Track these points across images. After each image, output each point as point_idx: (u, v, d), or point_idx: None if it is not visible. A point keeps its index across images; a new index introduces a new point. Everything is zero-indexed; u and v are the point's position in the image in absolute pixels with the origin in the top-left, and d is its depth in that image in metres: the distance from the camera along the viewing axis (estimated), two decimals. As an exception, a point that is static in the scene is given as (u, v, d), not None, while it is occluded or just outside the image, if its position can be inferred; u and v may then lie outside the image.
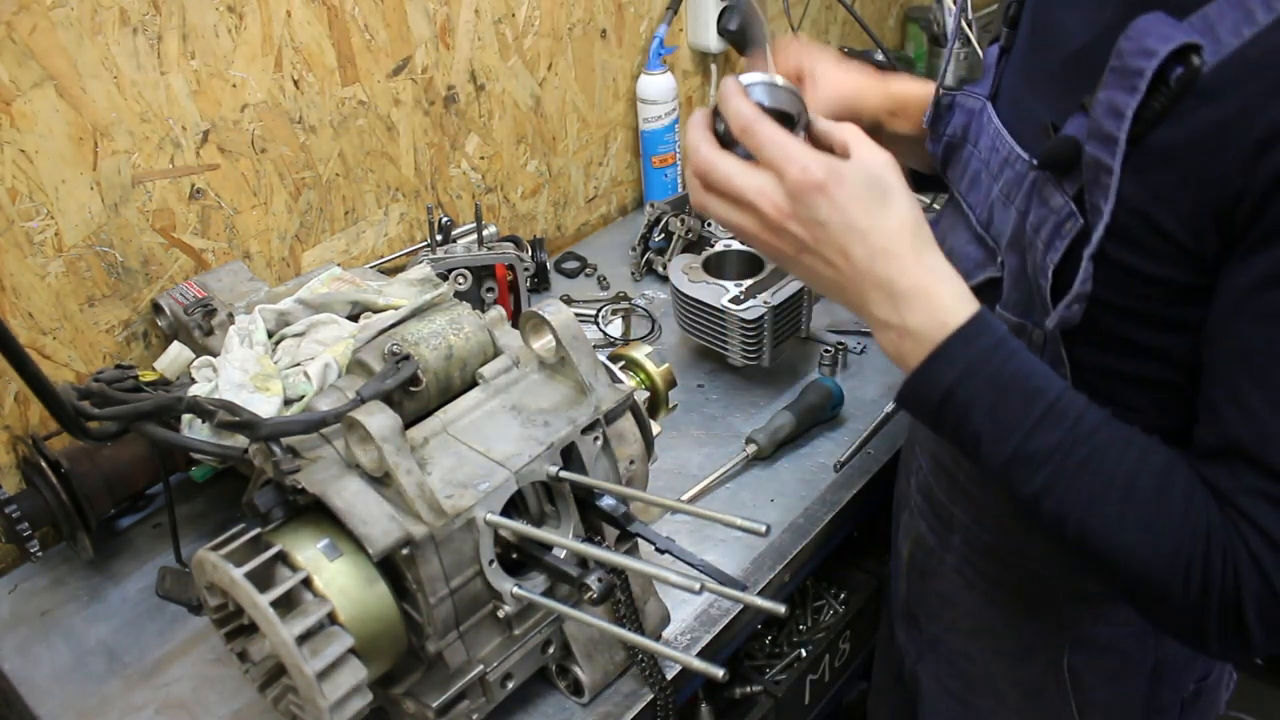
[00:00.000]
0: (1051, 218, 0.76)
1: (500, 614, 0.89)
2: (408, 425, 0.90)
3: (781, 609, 0.74)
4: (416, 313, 1.02)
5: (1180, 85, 0.66)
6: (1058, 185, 0.75)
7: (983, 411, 0.73)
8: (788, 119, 0.78)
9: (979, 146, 0.89)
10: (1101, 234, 0.71)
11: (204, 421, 0.86)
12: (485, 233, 1.45)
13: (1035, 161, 0.78)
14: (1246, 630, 0.69)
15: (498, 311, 1.02)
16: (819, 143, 0.79)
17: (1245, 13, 0.65)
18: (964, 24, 0.92)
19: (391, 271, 1.38)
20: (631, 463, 0.98)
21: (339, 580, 0.80)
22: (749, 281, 1.39)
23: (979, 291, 0.85)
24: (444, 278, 1.35)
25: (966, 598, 1.06)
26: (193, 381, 1.08)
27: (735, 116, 0.76)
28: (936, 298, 0.74)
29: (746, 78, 0.78)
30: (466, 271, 1.42)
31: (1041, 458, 0.72)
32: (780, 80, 0.79)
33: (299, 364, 1.07)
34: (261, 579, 0.77)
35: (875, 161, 0.75)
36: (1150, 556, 0.70)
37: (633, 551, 1.01)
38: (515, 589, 0.87)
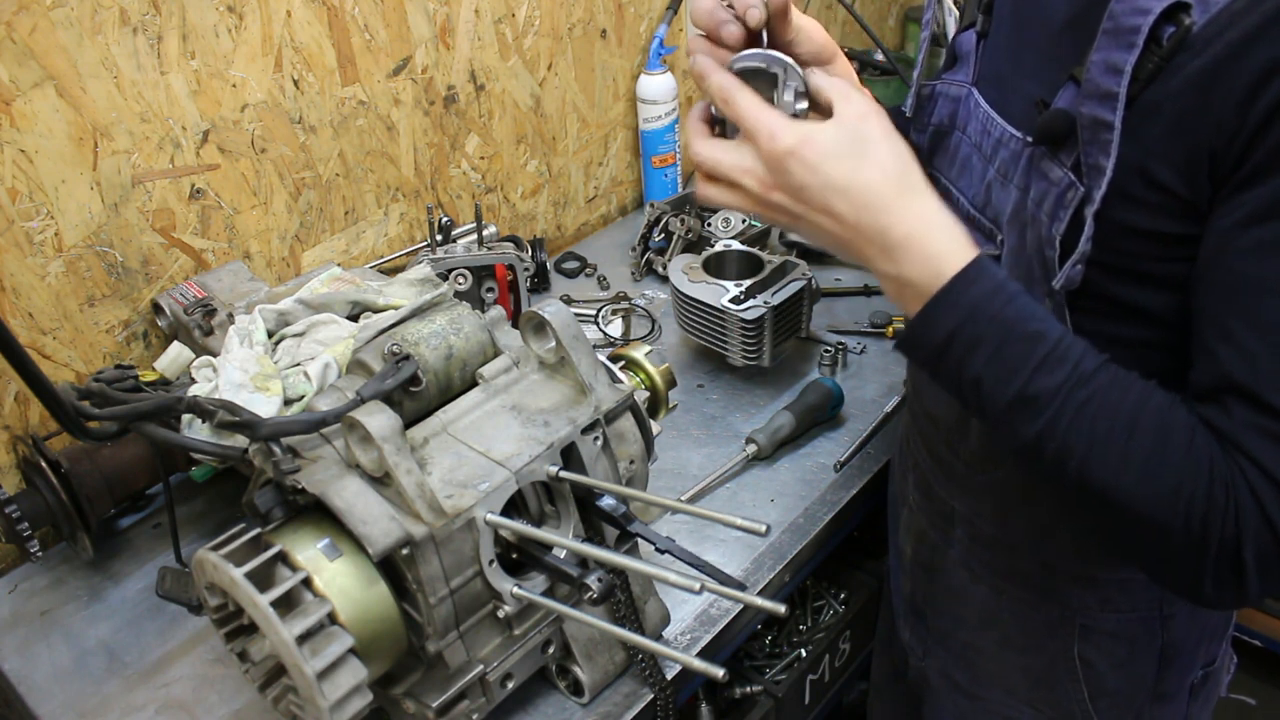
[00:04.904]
0: (1053, 190, 0.77)
1: (500, 614, 0.89)
2: (408, 425, 0.90)
3: (781, 609, 0.74)
4: (416, 313, 1.02)
5: (1173, 43, 0.68)
6: (1054, 158, 0.77)
7: (984, 355, 0.73)
8: (770, 77, 0.79)
9: (969, 131, 0.90)
10: (1105, 191, 0.72)
11: (204, 421, 0.86)
12: (485, 233, 1.45)
13: (1030, 139, 0.80)
14: (1243, 570, 0.69)
15: (498, 311, 1.02)
16: (814, 99, 0.79)
17: None
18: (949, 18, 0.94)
19: (391, 271, 1.38)
20: (631, 463, 0.98)
21: (339, 580, 0.80)
22: (749, 281, 1.39)
23: None
24: (444, 278, 1.35)
25: (973, 590, 1.06)
26: (193, 381, 1.08)
27: (716, 89, 0.77)
28: (930, 245, 0.74)
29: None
30: (466, 271, 1.42)
31: (1044, 400, 0.72)
32: (764, 47, 0.80)
33: (299, 364, 1.07)
34: (261, 579, 0.77)
35: (854, 114, 0.75)
36: (1151, 494, 0.70)
37: (633, 551, 1.01)
38: (515, 589, 0.87)
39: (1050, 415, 0.72)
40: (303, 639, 0.76)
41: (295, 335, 1.11)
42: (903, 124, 1.03)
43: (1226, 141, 0.67)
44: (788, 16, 0.82)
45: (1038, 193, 0.79)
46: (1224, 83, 0.66)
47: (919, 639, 1.20)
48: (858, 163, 0.74)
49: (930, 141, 0.96)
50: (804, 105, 0.79)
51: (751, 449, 1.30)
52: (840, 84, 0.77)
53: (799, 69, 0.79)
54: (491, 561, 0.86)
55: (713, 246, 1.51)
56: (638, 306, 1.62)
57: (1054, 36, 0.81)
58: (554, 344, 0.94)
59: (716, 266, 1.46)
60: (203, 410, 0.84)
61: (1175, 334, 0.76)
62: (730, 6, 0.80)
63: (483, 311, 1.01)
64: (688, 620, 1.10)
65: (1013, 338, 0.73)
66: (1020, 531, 0.98)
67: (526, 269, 1.47)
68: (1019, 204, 0.82)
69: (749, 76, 0.79)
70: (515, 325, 0.99)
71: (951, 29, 2.10)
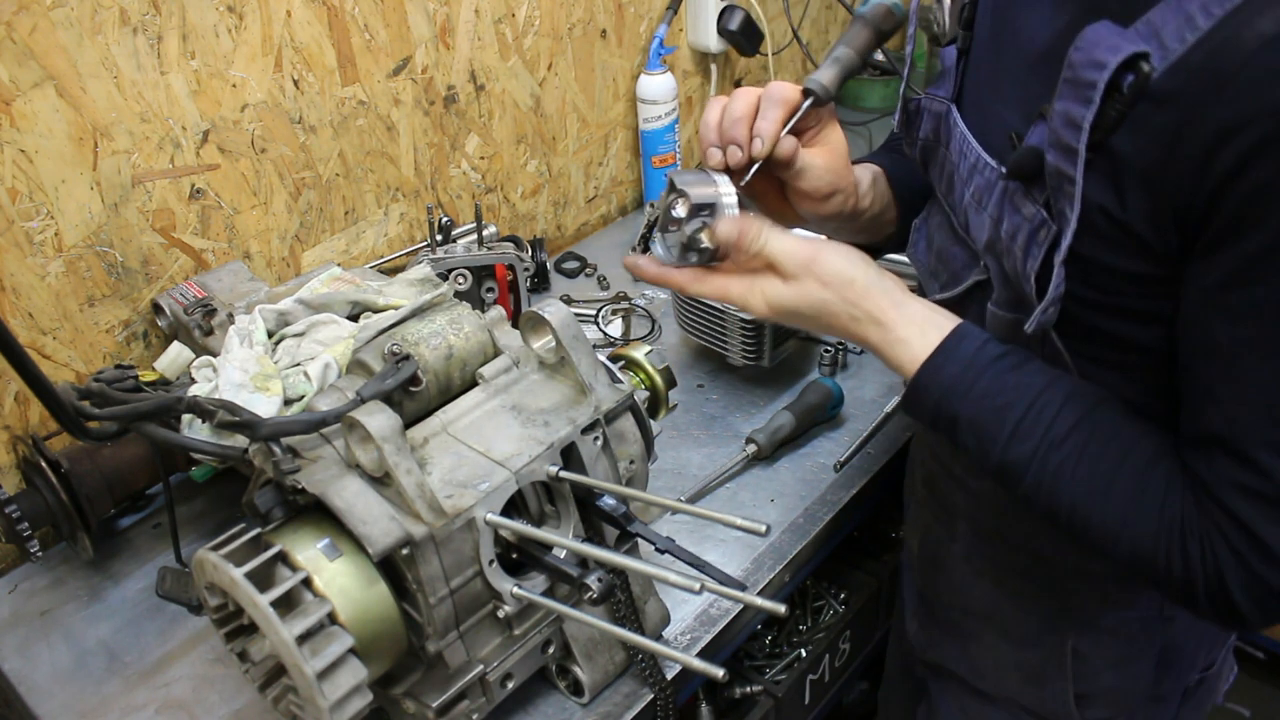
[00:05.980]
0: (1025, 225, 0.78)
1: (500, 614, 0.89)
2: (408, 425, 0.90)
3: (781, 609, 0.74)
4: (416, 313, 1.02)
5: (1133, 92, 0.67)
6: (1028, 194, 0.77)
7: (964, 428, 0.80)
8: (697, 208, 0.85)
9: (950, 149, 0.90)
10: (1069, 240, 0.73)
11: (204, 421, 0.86)
12: (485, 233, 1.45)
13: (1004, 170, 0.80)
14: (1239, 611, 0.72)
15: (498, 311, 1.02)
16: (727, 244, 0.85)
17: (1186, 18, 0.66)
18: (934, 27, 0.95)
19: (391, 271, 1.38)
20: (631, 463, 0.98)
21: (339, 580, 0.80)
22: (749, 281, 1.38)
23: (970, 292, 0.90)
24: (444, 278, 1.35)
25: (977, 584, 1.07)
26: (193, 381, 1.08)
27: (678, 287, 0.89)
28: (894, 348, 0.82)
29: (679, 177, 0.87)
30: (466, 271, 1.42)
31: (1021, 467, 0.78)
32: (716, 179, 0.86)
33: (299, 364, 1.07)
34: (261, 579, 0.77)
35: (798, 266, 0.82)
36: (1133, 551, 0.75)
37: (633, 551, 1.01)
38: (515, 589, 0.87)
39: (1030, 481, 0.78)
40: (303, 639, 0.76)
41: (295, 335, 1.11)
42: (896, 139, 1.04)
43: (1188, 201, 0.67)
44: (791, 164, 0.88)
45: (1011, 226, 0.79)
46: (1184, 143, 0.66)
47: (926, 631, 1.20)
48: (814, 316, 0.83)
49: (921, 155, 0.96)
50: (711, 245, 0.84)
51: (751, 449, 1.30)
52: (776, 243, 0.82)
53: (717, 212, 0.84)
54: (491, 561, 0.86)
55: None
56: (638, 306, 1.62)
57: (1031, 66, 0.80)
58: (554, 344, 0.94)
59: (716, 266, 1.46)
60: (203, 410, 0.84)
61: (1164, 362, 0.77)
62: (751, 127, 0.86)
63: (483, 311, 1.01)
64: (688, 620, 1.10)
65: (985, 411, 0.79)
66: (1020, 528, 0.99)
67: (526, 269, 1.47)
68: (993, 234, 0.83)
69: (674, 190, 0.85)
70: (515, 325, 0.99)
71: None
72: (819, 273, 0.82)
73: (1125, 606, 0.96)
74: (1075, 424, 0.76)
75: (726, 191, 0.84)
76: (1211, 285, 0.69)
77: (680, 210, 0.85)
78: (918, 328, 0.81)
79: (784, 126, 0.86)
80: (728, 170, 0.87)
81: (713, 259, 0.85)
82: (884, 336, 0.82)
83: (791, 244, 0.83)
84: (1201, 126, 0.65)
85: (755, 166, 0.86)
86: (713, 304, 1.36)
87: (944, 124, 0.91)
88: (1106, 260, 0.74)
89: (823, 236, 0.90)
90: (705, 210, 0.84)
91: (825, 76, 0.88)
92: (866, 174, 1.01)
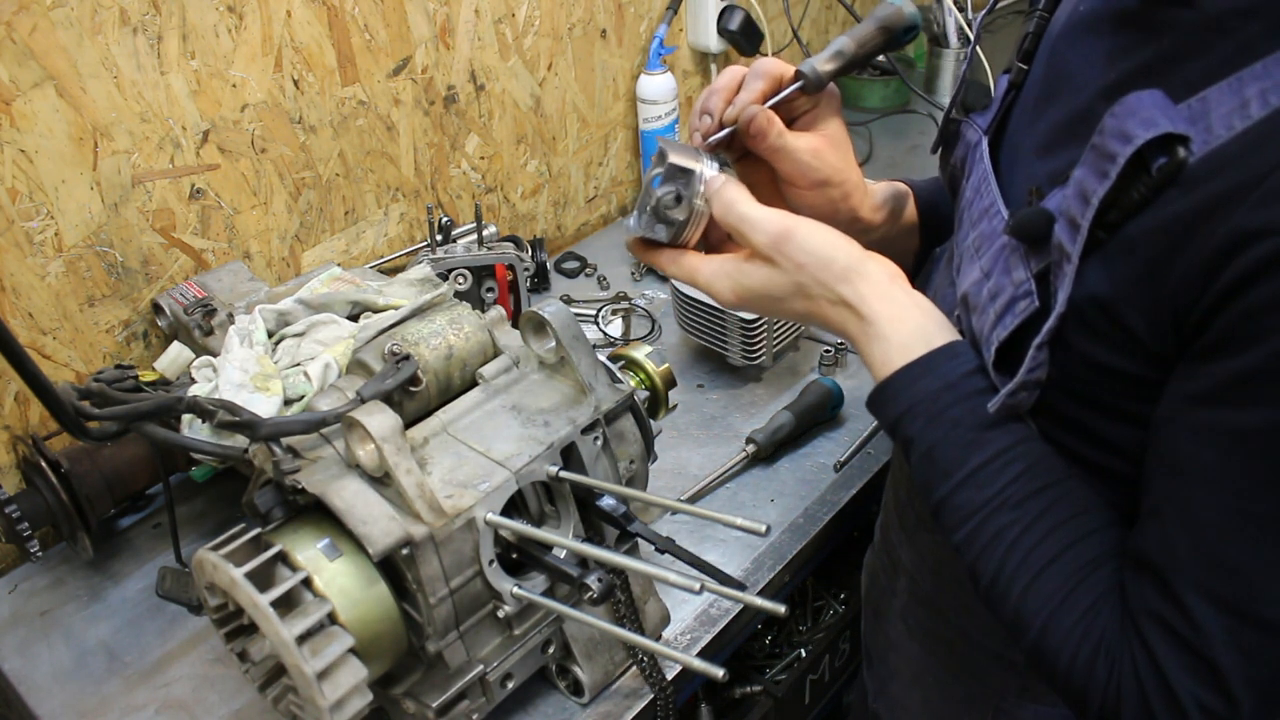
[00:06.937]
0: (1009, 290, 0.71)
1: (500, 614, 0.89)
2: (408, 425, 0.90)
3: (781, 609, 0.74)
4: (416, 313, 1.02)
5: (1162, 176, 0.61)
6: (1025, 258, 0.70)
7: (919, 452, 0.73)
8: (673, 171, 0.81)
9: (968, 184, 0.82)
10: (1053, 324, 0.67)
11: (204, 421, 0.86)
12: (485, 233, 1.45)
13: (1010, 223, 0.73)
14: None
15: (498, 311, 1.02)
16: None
17: (1241, 104, 0.59)
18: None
19: (391, 271, 1.38)
20: (631, 463, 0.98)
21: (339, 580, 0.80)
22: (749, 281, 1.38)
23: None
24: (444, 278, 1.35)
25: (908, 645, 1.04)
26: (193, 381, 1.08)
27: (674, 274, 0.84)
28: (871, 345, 0.75)
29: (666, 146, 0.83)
30: (466, 271, 1.42)
31: (963, 514, 0.71)
32: (704, 156, 0.82)
33: (299, 364, 1.07)
34: (261, 579, 0.77)
35: (767, 243, 0.76)
36: (1042, 642, 0.69)
37: (633, 551, 1.01)
38: (515, 589, 0.87)
39: (967, 531, 0.71)
40: (303, 639, 0.76)
41: (295, 335, 1.11)
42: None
43: (1189, 303, 0.60)
44: (763, 138, 0.81)
45: (995, 285, 0.72)
46: (1197, 238, 0.59)
47: (871, 679, 1.18)
48: (792, 300, 0.77)
49: (949, 182, 0.90)
50: (679, 216, 0.80)
51: (751, 449, 1.30)
52: (748, 208, 0.77)
53: (698, 180, 0.79)
54: (491, 561, 0.86)
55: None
56: (638, 306, 1.62)
57: (1073, 119, 0.72)
58: (554, 344, 0.94)
59: (716, 266, 1.46)
60: (203, 410, 0.84)
61: (1136, 466, 0.70)
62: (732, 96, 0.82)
63: (483, 311, 1.01)
64: (688, 620, 1.10)
65: (948, 441, 0.71)
66: (952, 600, 0.94)
67: (526, 269, 1.47)
68: (974, 287, 0.75)
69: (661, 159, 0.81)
70: (515, 325, 0.99)
71: (951, 29, 2.10)
72: (793, 249, 0.75)
73: (1046, 703, 0.90)
74: (1036, 492, 0.69)
75: (710, 167, 0.80)
76: (1189, 396, 0.62)
77: (657, 175, 0.81)
78: (904, 329, 0.74)
79: (763, 100, 0.80)
80: (713, 148, 0.83)
81: (681, 231, 0.81)
82: (863, 330, 0.75)
83: (764, 213, 0.75)
84: (1220, 225, 0.58)
85: (724, 132, 0.81)
86: (713, 304, 1.36)
87: (971, 155, 0.83)
88: (1093, 353, 0.67)
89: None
90: (681, 179, 0.79)
91: (820, 62, 0.83)
92: (888, 189, 0.93)
